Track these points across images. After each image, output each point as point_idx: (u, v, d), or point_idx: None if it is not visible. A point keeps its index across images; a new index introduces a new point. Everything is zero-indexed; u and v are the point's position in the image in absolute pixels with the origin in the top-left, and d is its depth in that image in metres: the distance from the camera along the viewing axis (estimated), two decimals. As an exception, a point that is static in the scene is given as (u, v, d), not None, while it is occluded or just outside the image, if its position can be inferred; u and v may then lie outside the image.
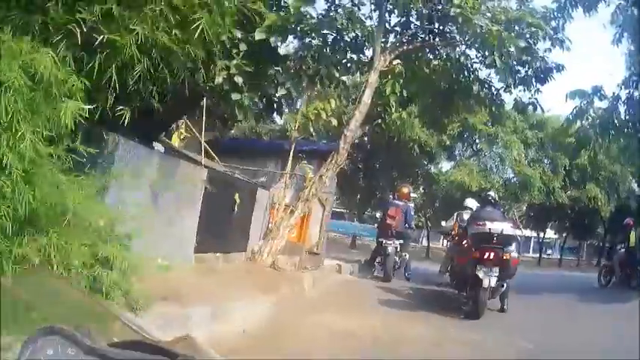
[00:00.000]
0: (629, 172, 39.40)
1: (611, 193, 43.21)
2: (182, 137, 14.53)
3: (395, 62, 14.33)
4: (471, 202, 16.56)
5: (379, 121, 15.21)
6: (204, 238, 10.93)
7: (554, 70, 15.98)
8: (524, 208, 43.84)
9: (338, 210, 59.54)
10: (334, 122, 14.39)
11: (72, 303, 3.81)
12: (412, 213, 18.38)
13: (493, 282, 10.88)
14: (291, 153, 14.37)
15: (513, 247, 11.70)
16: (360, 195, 43.18)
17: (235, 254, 12.78)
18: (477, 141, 39.94)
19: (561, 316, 12.46)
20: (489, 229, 11.14)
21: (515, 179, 38.64)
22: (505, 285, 11.59)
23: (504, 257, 11.02)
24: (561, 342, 9.44)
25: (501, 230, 11.07)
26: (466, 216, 14.83)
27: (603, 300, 15.99)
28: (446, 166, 41.38)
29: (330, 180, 14.34)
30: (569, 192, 41.50)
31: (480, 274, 10.81)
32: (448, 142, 35.92)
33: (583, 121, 18.79)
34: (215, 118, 15.49)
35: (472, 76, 16.94)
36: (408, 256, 17.66)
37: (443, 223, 20.71)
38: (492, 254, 10.87)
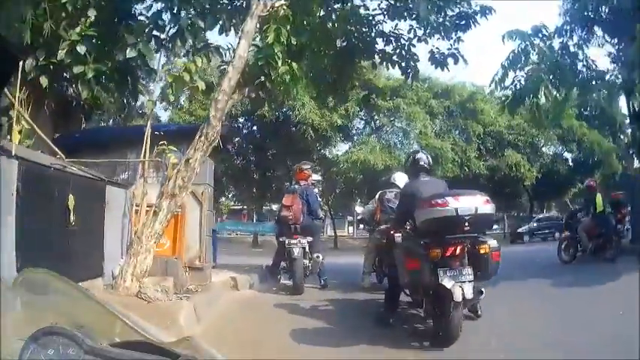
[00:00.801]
0: (553, 134, 39.87)
1: (534, 159, 42.59)
2: (20, 131, 9.99)
3: (279, 3, 10.97)
4: (401, 178, 12.40)
5: (262, 78, 11.11)
6: (29, 264, 6.47)
7: (480, 14, 14.33)
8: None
9: (235, 208, 58.53)
10: (201, 85, 10.42)
11: (72, 303, 3.06)
12: (317, 198, 14.50)
13: (469, 291, 6.98)
14: (147, 135, 10.43)
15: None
16: (256, 189, 41.55)
17: (89, 282, 8.78)
18: (376, 117, 38.38)
19: (551, 311, 9.60)
20: (455, 209, 7.06)
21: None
22: (483, 290, 7.26)
23: (481, 251, 7.34)
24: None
25: (475, 209, 7.09)
26: (391, 195, 12.00)
27: (582, 279, 13.11)
28: (343, 147, 39.60)
29: (202, 165, 10.42)
30: (486, 161, 40.14)
31: (447, 283, 6.96)
32: (341, 122, 34.40)
33: (521, 69, 15.92)
34: (65, 107, 12.40)
35: (374, 30, 15.12)
36: (322, 257, 13.12)
37: (358, 209, 16.49)
38: (459, 249, 7.20)
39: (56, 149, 9.82)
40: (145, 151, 10.36)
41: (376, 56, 15.41)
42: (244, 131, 40.21)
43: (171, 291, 9.60)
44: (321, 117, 33.56)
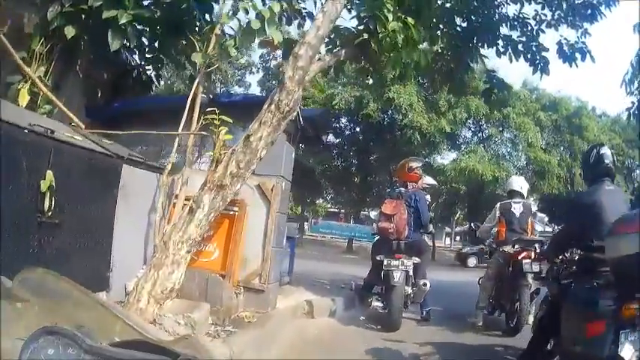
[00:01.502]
0: None
1: (629, 181, 40.48)
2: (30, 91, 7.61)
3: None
4: (520, 183, 10.44)
5: (365, 36, 7.80)
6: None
7: (604, 5, 11.86)
8: (537, 200, 37.42)
9: (331, 210, 55.60)
10: (277, 37, 7.61)
11: (72, 303, 2.99)
12: (426, 205, 10.53)
13: None
14: (196, 103, 7.81)
15: None
16: (355, 192, 39.04)
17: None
18: (485, 126, 36.04)
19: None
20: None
21: (530, 167, 34.77)
22: None
23: None
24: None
25: None
26: (518, 207, 9.88)
27: None
28: (449, 156, 36.94)
29: (271, 148, 7.23)
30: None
31: (626, 353, 4.36)
32: (449, 129, 31.63)
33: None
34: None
35: (497, 12, 12.34)
36: (428, 284, 9.67)
37: (472, 225, 12.69)
38: None
39: (72, 115, 7.47)
40: (191, 125, 7.44)
41: (500, 42, 12.27)
42: (347, 132, 37.02)
43: (205, 322, 6.80)
44: (429, 121, 30.93)
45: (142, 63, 10.02)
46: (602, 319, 4.44)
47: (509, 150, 36.76)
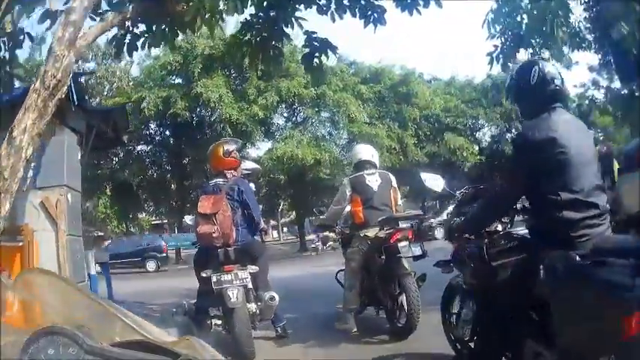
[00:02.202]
0: (495, 114, 39.04)
1: (474, 142, 41.31)
2: None
3: None
4: (368, 151, 8.43)
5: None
6: None
7: None
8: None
9: (155, 222, 53.02)
10: None
11: (73, 303, 3.18)
12: (254, 196, 7.95)
13: None
14: None
15: None
16: (174, 200, 38.07)
17: None
18: (299, 109, 34.97)
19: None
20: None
21: (355, 143, 31.50)
22: None
23: None
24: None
25: None
26: (373, 180, 7.97)
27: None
28: (265, 146, 35.95)
29: (42, 142, 5.22)
30: (423, 148, 37.69)
31: None
32: (262, 114, 30.70)
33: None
34: None
35: None
36: (276, 297, 7.16)
37: (315, 210, 10.59)
38: None
39: None
40: None
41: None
42: (157, 138, 35.61)
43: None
44: (240, 111, 29.95)
45: None
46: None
47: (329, 130, 35.75)
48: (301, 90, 30.61)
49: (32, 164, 6.69)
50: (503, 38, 11.49)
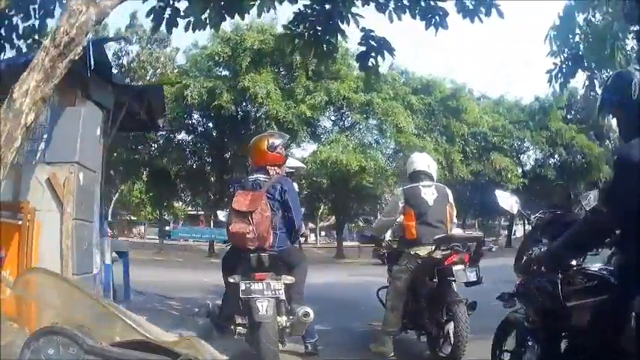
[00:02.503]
0: (541, 137, 38.02)
1: (518, 164, 40.79)
2: None
3: None
4: (425, 160, 7.66)
5: None
6: None
7: None
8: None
9: (191, 213, 53.01)
10: None
11: (73, 303, 3.11)
12: (297, 197, 6.93)
13: None
14: None
15: None
16: (212, 193, 37.09)
17: None
18: (347, 113, 34.21)
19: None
20: None
21: (401, 154, 32.38)
22: None
23: None
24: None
25: None
26: (429, 194, 7.20)
27: None
28: (310, 148, 35.32)
29: (46, 110, 5.31)
30: (469, 165, 36.69)
31: None
32: (310, 114, 29.98)
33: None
34: None
35: None
36: (311, 314, 6.18)
37: (361, 220, 9.81)
38: None
39: None
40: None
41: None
42: (199, 129, 35.25)
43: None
44: (287, 109, 29.41)
45: None
46: None
47: (376, 138, 35.06)
48: (351, 94, 30.04)
49: (44, 135, 6.10)
50: (562, 57, 10.63)
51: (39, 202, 5.73)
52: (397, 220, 7.37)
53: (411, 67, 37.29)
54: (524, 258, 4.46)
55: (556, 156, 40.39)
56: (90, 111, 6.10)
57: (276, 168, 6.73)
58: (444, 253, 6.51)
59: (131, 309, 7.98)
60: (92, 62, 5.77)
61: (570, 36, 10.48)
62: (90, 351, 1.97)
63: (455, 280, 6.47)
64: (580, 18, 10.23)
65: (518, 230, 51.76)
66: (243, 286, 5.93)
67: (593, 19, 10.13)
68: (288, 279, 6.23)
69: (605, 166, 35.73)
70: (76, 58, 4.68)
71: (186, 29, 7.68)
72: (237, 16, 7.69)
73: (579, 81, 11.24)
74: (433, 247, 6.64)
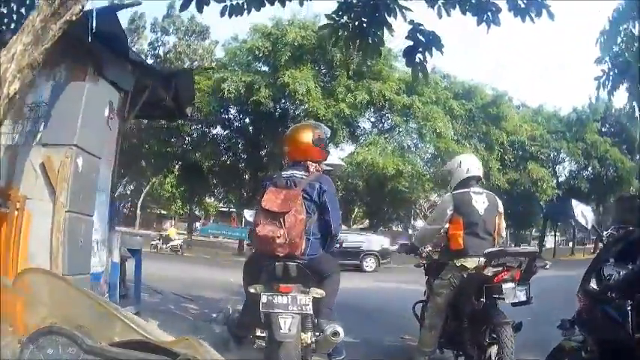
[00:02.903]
0: (577, 149, 37.90)
1: (553, 175, 40.51)
2: None
3: None
4: (475, 163, 6.68)
5: None
6: None
7: None
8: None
9: (223, 209, 52.99)
10: None
11: (72, 303, 3.11)
12: (337, 200, 5.71)
13: None
14: None
15: None
16: (246, 190, 36.45)
17: None
18: (387, 116, 33.88)
19: None
20: None
21: (439, 159, 31.72)
22: None
23: None
24: None
25: None
26: (480, 202, 6.32)
27: None
28: (347, 149, 34.80)
29: (36, 77, 4.33)
30: (506, 174, 36.41)
31: None
32: (349, 112, 29.25)
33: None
34: None
35: None
36: (341, 332, 4.99)
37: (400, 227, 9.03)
38: None
39: None
40: None
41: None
42: (236, 124, 34.87)
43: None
44: (327, 107, 28.86)
45: None
46: None
47: (415, 142, 34.58)
48: (393, 95, 29.59)
49: (40, 110, 5.31)
50: (610, 64, 10.24)
51: (31, 190, 4.92)
52: (444, 228, 6.44)
53: (453, 72, 36.46)
54: (591, 281, 3.98)
55: (589, 168, 40.30)
56: (96, 88, 5.30)
57: (316, 164, 5.83)
58: (495, 270, 5.64)
59: (141, 313, 7.30)
60: (93, 24, 4.97)
61: (619, 42, 10.24)
62: (89, 351, 1.93)
63: (502, 298, 5.59)
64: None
65: (549, 241, 50.99)
66: (264, 299, 4.96)
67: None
68: (318, 292, 5.17)
69: (635, 180, 36.31)
70: (74, 18, 3.91)
71: (222, 14, 7.07)
72: (278, 10, 6.98)
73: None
74: (483, 261, 5.73)
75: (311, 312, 5.05)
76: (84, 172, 5.22)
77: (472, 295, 5.83)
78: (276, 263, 5.06)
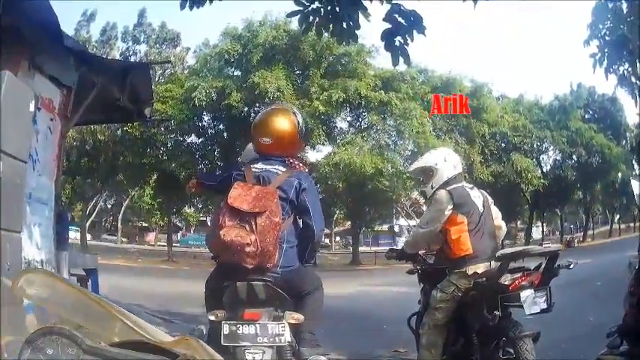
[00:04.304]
0: (561, 137, 38.03)
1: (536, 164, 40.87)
2: None
3: None
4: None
5: None
6: None
7: None
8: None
9: (203, 219, 54.42)
10: None
11: (72, 303, 2.64)
12: (317, 199, 4.56)
13: None
14: None
15: None
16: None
17: None
18: (364, 114, 33.76)
19: None
20: None
21: (420, 156, 29.32)
22: None
23: None
24: None
25: None
26: (478, 198, 5.33)
27: None
28: (325, 150, 34.83)
29: None
30: (489, 166, 36.45)
31: None
32: (324, 109, 29.03)
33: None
34: None
35: None
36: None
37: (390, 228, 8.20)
38: None
39: None
40: None
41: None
42: (210, 131, 34.82)
43: None
44: (301, 107, 28.14)
45: None
46: None
47: (394, 139, 34.50)
48: (369, 92, 29.40)
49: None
50: (603, 41, 9.88)
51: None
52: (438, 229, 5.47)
53: (431, 65, 36.30)
54: None
55: (575, 156, 40.53)
56: (14, 81, 4.42)
57: (290, 157, 4.71)
58: (513, 276, 4.75)
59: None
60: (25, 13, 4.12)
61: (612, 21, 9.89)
62: (89, 351, 1.70)
63: (522, 306, 4.62)
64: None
65: (535, 232, 51.38)
66: (226, 329, 3.97)
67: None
68: (294, 317, 4.13)
69: (622, 165, 37.08)
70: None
71: (182, 7, 6.58)
72: (249, 10, 6.22)
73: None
74: (496, 266, 4.89)
75: (288, 341, 4.06)
76: (6, 180, 4.28)
77: (484, 308, 4.81)
78: (238, 283, 4.06)
